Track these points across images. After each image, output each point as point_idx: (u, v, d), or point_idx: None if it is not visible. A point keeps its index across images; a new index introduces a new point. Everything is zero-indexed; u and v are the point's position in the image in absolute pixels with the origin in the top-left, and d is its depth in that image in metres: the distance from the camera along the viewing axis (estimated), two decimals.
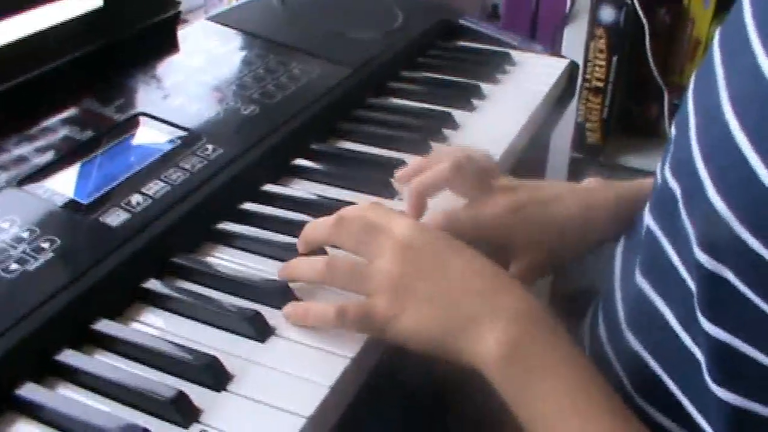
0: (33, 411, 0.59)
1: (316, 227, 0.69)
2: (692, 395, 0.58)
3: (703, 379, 0.55)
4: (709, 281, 0.53)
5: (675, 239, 0.60)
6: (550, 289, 1.58)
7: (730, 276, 0.52)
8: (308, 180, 0.87)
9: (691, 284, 0.56)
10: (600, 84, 1.91)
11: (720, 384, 0.54)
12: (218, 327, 0.66)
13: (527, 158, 1.00)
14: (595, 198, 0.79)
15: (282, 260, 0.73)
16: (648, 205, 0.68)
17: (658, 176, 0.66)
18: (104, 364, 0.62)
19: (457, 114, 0.99)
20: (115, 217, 0.72)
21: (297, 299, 0.68)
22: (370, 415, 0.67)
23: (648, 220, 0.65)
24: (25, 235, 0.68)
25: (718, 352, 0.54)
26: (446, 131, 0.96)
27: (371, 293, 0.64)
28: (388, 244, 0.64)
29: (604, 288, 0.74)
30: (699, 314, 0.54)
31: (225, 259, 0.74)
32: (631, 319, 0.66)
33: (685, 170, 0.58)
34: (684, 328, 0.58)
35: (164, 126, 0.86)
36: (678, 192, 0.59)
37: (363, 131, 0.96)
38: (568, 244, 0.78)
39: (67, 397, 0.60)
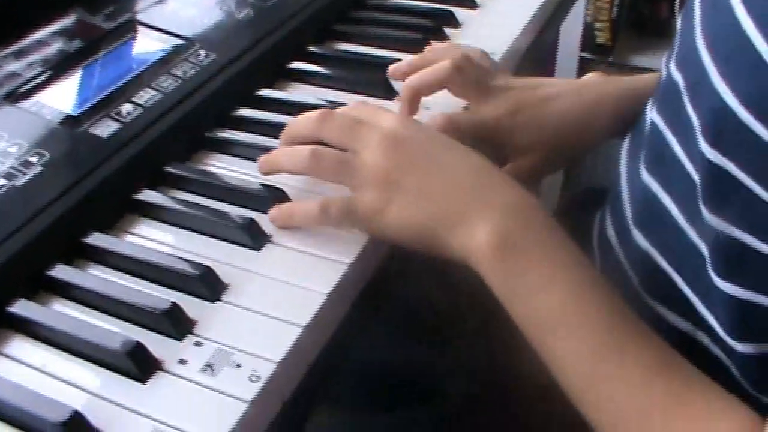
0: (26, 327, 0.58)
1: (299, 121, 0.66)
2: (700, 291, 0.57)
3: (709, 274, 0.54)
4: (713, 173, 0.52)
5: (679, 132, 0.58)
6: (560, 189, 1.56)
7: (733, 168, 0.50)
8: (305, 83, 0.84)
9: (696, 177, 0.54)
10: None
11: (724, 277, 0.53)
12: (213, 236, 0.64)
13: (535, 58, 0.97)
14: (596, 94, 0.77)
15: None
16: (651, 99, 0.65)
17: (663, 70, 0.64)
18: (97, 278, 0.61)
19: (459, 12, 0.95)
20: (105, 128, 0.70)
21: None
22: (367, 325, 0.66)
23: (652, 114, 0.63)
24: (13, 149, 0.66)
25: (721, 245, 0.52)
26: (448, 30, 0.92)
27: (357, 187, 0.61)
28: (376, 137, 0.61)
29: (611, 189, 0.72)
30: (702, 206, 0.53)
31: (220, 167, 0.72)
32: (638, 216, 0.65)
33: (690, 60, 0.56)
34: (689, 223, 0.57)
35: (155, 33, 0.83)
36: (682, 83, 0.57)
37: (362, 32, 0.92)
38: (569, 142, 0.75)
39: (60, 313, 0.59)
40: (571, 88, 0.76)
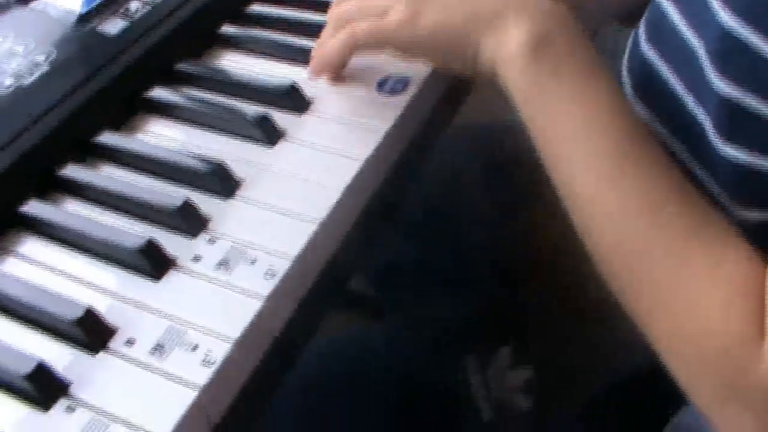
0: (39, 227, 0.57)
1: (329, 15, 0.65)
2: (701, 158, 0.56)
3: (709, 141, 0.53)
4: (724, 39, 0.50)
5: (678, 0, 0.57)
6: None
7: (747, 31, 0.48)
8: None
9: (697, 44, 0.53)
10: None
11: (727, 141, 0.51)
12: (226, 132, 0.63)
13: None
14: None
15: (293, 61, 0.69)
16: None
17: None
18: (109, 176, 0.60)
19: None
20: (113, 26, 0.68)
21: (305, 99, 0.64)
22: (383, 225, 0.64)
23: None
24: (20, 49, 0.65)
25: (727, 109, 0.51)
26: None
27: (384, 8, 0.60)
28: None
29: (614, 69, 0.70)
30: (709, 70, 0.51)
31: (232, 63, 0.70)
32: (637, 88, 0.63)
33: None
34: (688, 90, 0.55)
35: None
36: None
37: None
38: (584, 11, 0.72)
39: (73, 212, 0.58)
40: None
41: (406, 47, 0.61)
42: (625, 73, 0.66)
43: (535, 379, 0.73)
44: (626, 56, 0.67)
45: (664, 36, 0.58)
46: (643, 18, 0.65)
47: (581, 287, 0.57)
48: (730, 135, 0.52)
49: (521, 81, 0.55)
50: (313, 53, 0.65)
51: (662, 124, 0.59)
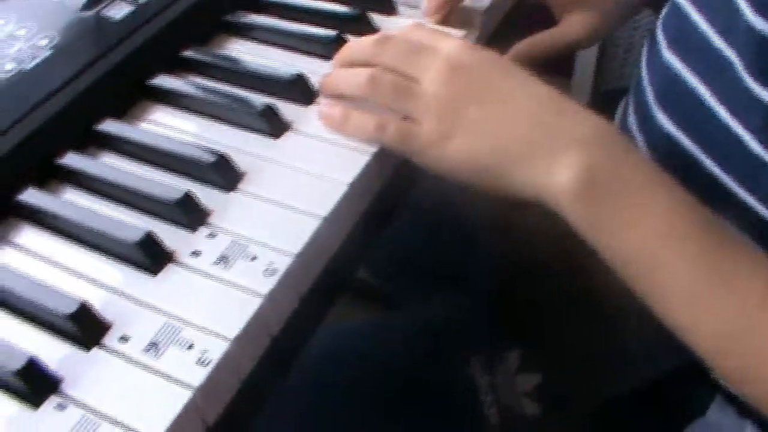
0: (36, 216, 0.56)
1: (356, 45, 0.62)
2: (735, 172, 0.54)
3: (747, 154, 0.51)
4: (762, 45, 0.48)
5: (706, 9, 0.56)
6: (591, 87, 1.51)
7: None
8: None
9: (729, 53, 0.52)
10: None
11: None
12: (229, 123, 0.61)
13: None
14: None
15: (301, 51, 0.67)
16: None
17: None
18: (109, 166, 0.58)
19: None
20: (118, 10, 0.66)
21: (312, 89, 0.62)
22: (387, 221, 0.63)
23: None
24: (21, 32, 0.63)
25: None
26: None
27: (416, 115, 0.57)
28: (437, 64, 0.57)
29: (633, 78, 0.68)
30: (746, 78, 0.50)
31: (238, 51, 0.69)
32: (661, 99, 0.61)
33: None
34: (719, 101, 0.54)
35: None
36: None
37: None
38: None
39: (71, 202, 0.57)
40: None
41: (431, 165, 0.58)
42: (645, 81, 0.63)
43: (544, 385, 0.72)
44: (644, 62, 0.65)
45: (688, 43, 0.56)
46: (660, 21, 0.63)
47: (594, 294, 0.55)
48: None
49: (579, 214, 0.52)
50: (325, 81, 0.63)
51: (689, 137, 0.57)
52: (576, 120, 0.54)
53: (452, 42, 0.58)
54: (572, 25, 0.71)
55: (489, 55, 0.59)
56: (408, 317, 0.80)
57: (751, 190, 0.53)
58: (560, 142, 0.53)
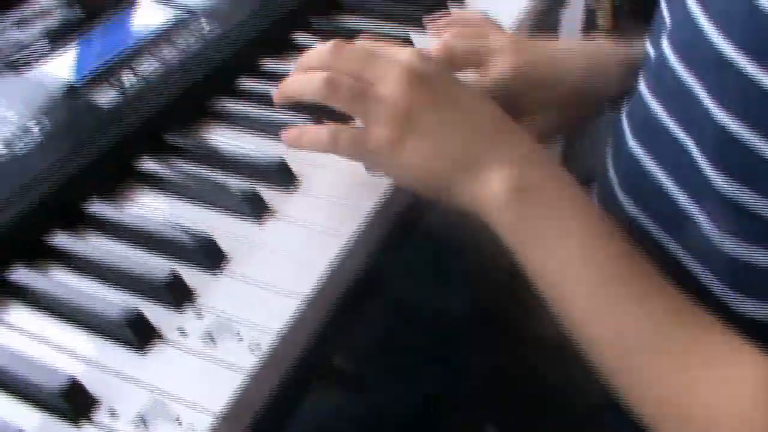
0: (25, 295, 0.57)
1: (313, 52, 0.63)
2: (694, 253, 0.57)
3: (703, 236, 0.54)
4: (721, 137, 0.51)
5: (667, 100, 0.58)
6: None
7: (743, 132, 0.49)
8: None
9: (688, 141, 0.55)
10: None
11: (725, 234, 0.53)
12: (214, 207, 0.64)
13: None
14: (606, 52, 0.76)
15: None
16: (641, 72, 0.65)
17: (649, 49, 0.64)
18: (96, 246, 0.60)
19: None
20: (106, 97, 0.69)
21: (294, 175, 0.65)
22: (368, 297, 0.65)
23: (640, 85, 0.63)
24: (13, 117, 0.66)
25: (725, 205, 0.52)
26: (451, 5, 0.91)
27: (371, 120, 0.59)
28: (394, 70, 0.59)
29: (598, 164, 0.71)
30: (705, 167, 0.53)
31: (222, 138, 0.72)
32: (624, 184, 0.64)
33: (683, 27, 0.55)
34: (679, 187, 0.57)
35: (159, 4, 0.82)
36: (674, 58, 0.57)
37: (367, 6, 0.91)
38: (581, 99, 0.74)
39: (60, 281, 0.58)
40: (582, 45, 0.76)
41: (381, 169, 0.61)
42: (611, 169, 0.67)
43: None
44: (610, 151, 0.68)
45: (651, 133, 0.60)
46: (625, 111, 0.66)
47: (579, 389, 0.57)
48: (728, 230, 0.53)
49: (505, 224, 0.56)
50: (281, 86, 0.64)
51: (653, 221, 0.60)
52: (518, 139, 0.59)
53: (409, 50, 0.61)
54: (534, 123, 0.73)
55: (444, 67, 0.62)
56: (381, 396, 0.81)
57: (711, 271, 0.56)
58: (499, 157, 0.57)
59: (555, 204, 0.56)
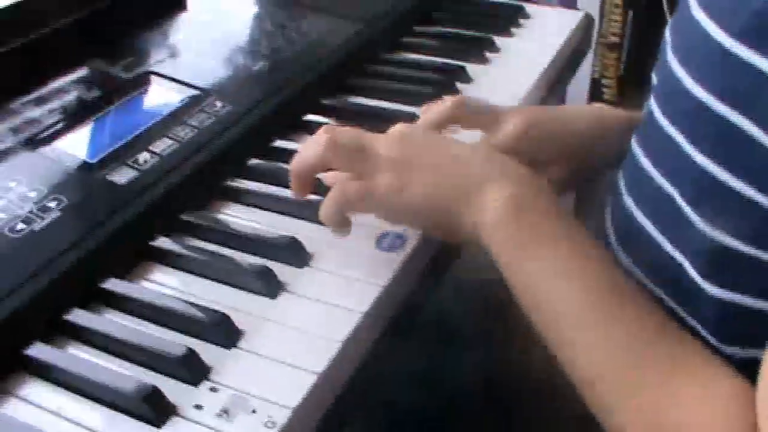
0: (42, 371, 0.58)
1: (308, 146, 0.67)
2: (683, 301, 0.59)
3: (689, 282, 0.56)
4: (701, 181, 0.54)
5: (651, 151, 0.62)
6: None
7: (721, 174, 0.53)
8: None
9: (672, 189, 0.58)
10: (616, 39, 1.88)
11: (709, 280, 0.55)
12: (228, 284, 0.65)
13: None
14: (609, 114, 0.81)
15: (293, 216, 0.72)
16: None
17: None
18: (113, 323, 0.61)
19: (470, 67, 0.97)
20: (122, 176, 0.71)
21: (306, 253, 0.67)
22: (382, 372, 0.66)
23: (632, 141, 0.67)
24: (32, 194, 0.67)
25: (708, 251, 0.55)
26: (459, 85, 0.94)
27: (372, 173, 0.64)
28: (386, 135, 0.65)
29: (598, 219, 0.73)
30: (688, 213, 0.56)
31: (235, 216, 0.73)
32: (619, 237, 0.67)
33: (665, 76, 0.60)
34: (663, 235, 0.60)
35: (172, 84, 0.85)
36: (657, 108, 0.61)
37: (374, 86, 0.94)
38: (588, 155, 0.78)
39: (77, 357, 0.59)
40: (586, 108, 0.83)
41: (392, 214, 0.66)
42: (609, 224, 0.69)
43: None
44: (609, 207, 0.70)
45: (640, 186, 0.63)
46: (622, 168, 0.69)
47: None
48: (712, 275, 0.55)
49: (497, 241, 0.60)
50: (291, 166, 0.68)
51: (643, 271, 0.63)
52: (513, 168, 0.64)
53: (397, 125, 0.67)
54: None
55: (434, 131, 0.72)
56: None
57: (695, 317, 0.58)
58: (497, 181, 0.61)
59: (543, 223, 0.60)
